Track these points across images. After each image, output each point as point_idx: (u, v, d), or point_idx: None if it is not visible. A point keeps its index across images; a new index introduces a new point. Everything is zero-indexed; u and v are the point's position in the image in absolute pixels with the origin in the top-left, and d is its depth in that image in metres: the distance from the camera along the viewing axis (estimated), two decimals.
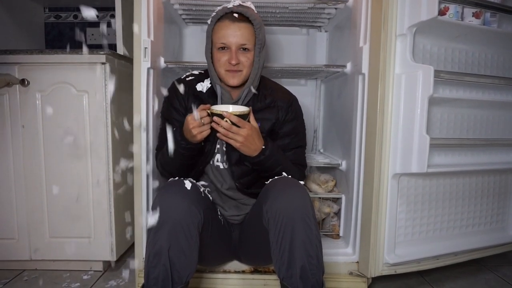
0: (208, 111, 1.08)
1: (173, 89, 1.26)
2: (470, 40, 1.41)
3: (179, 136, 1.13)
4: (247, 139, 1.09)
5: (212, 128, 1.10)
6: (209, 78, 1.25)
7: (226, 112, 1.05)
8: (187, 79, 1.27)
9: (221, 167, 1.26)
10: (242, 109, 1.09)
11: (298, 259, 1.00)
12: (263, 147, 1.14)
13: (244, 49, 1.15)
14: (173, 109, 1.24)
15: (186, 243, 1.02)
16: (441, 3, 1.26)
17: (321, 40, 1.99)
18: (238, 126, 1.07)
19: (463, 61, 1.44)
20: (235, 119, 1.06)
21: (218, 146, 1.24)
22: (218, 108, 1.08)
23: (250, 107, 1.12)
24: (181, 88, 1.24)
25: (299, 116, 1.30)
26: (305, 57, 2.01)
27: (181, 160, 1.18)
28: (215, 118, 1.07)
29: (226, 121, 1.06)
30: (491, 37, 1.43)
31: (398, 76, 1.28)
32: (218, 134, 1.10)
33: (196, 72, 1.30)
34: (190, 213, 1.02)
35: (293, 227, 1.00)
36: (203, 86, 1.25)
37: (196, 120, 1.07)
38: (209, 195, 1.24)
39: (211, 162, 1.26)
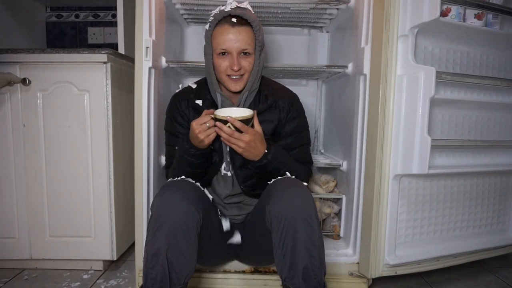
0: (212, 116, 1.07)
1: (173, 104, 1.26)
2: (472, 42, 1.41)
3: (187, 144, 1.13)
4: (249, 144, 1.08)
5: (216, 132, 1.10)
6: (206, 89, 1.24)
7: (230, 117, 1.03)
8: (185, 93, 1.27)
9: (229, 174, 1.25)
10: (245, 113, 1.08)
11: (301, 259, 1.00)
12: (266, 151, 1.14)
13: (245, 53, 1.14)
14: (177, 124, 1.25)
15: (184, 243, 1.01)
16: (443, 4, 1.25)
17: (323, 40, 1.99)
18: (241, 132, 1.06)
19: (464, 63, 1.44)
20: (238, 125, 1.04)
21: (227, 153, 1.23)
22: (222, 112, 1.06)
23: (255, 111, 1.11)
24: (180, 102, 1.24)
25: (301, 114, 1.30)
26: (307, 58, 2.01)
27: (192, 169, 1.18)
28: (217, 123, 1.06)
29: (229, 126, 1.05)
30: (493, 38, 1.42)
31: (399, 77, 1.28)
32: (221, 138, 1.10)
33: (193, 84, 1.30)
34: (189, 213, 1.02)
35: (295, 228, 1.00)
36: (201, 98, 1.24)
37: (201, 125, 1.07)
38: (210, 195, 1.24)
39: (218, 173, 1.26)
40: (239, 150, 1.10)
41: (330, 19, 1.80)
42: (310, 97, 2.05)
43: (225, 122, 1.04)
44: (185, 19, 1.84)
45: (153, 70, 1.37)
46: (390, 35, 1.26)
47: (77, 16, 2.31)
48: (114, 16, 2.27)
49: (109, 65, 1.49)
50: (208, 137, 1.08)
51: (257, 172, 1.20)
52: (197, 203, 1.06)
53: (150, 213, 1.06)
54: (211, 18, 1.15)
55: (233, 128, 1.05)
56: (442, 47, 1.38)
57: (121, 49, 1.72)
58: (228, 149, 1.21)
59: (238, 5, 1.15)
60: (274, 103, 1.24)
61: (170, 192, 1.05)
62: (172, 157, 1.25)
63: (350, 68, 1.54)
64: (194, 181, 1.18)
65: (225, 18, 1.12)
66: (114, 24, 2.27)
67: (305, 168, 1.29)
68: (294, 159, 1.24)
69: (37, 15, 2.24)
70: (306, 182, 1.22)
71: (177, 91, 1.30)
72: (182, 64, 1.59)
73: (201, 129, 1.07)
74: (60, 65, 1.49)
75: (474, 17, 1.33)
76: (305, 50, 2.01)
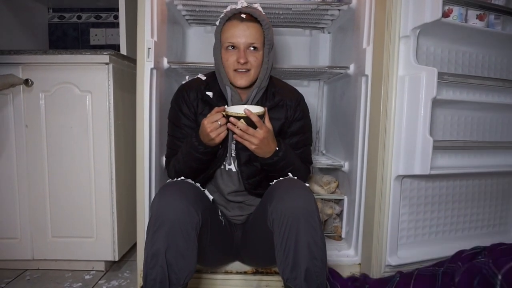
0: (223, 113, 1.07)
1: (181, 95, 1.24)
2: (474, 42, 1.41)
3: (196, 141, 1.12)
4: (263, 141, 1.08)
5: (226, 130, 1.09)
6: (216, 81, 1.23)
7: (248, 110, 1.03)
8: (194, 84, 1.26)
9: (234, 170, 1.25)
10: (257, 109, 1.07)
11: (303, 260, 1.00)
12: (277, 148, 1.14)
13: (253, 48, 1.14)
14: (182, 115, 1.23)
15: (184, 244, 1.01)
16: (445, 5, 1.26)
17: (324, 41, 1.99)
18: (255, 127, 1.06)
19: (466, 63, 1.44)
20: (255, 119, 1.04)
21: (231, 148, 1.23)
22: (233, 109, 1.06)
23: (266, 108, 1.11)
24: (189, 93, 1.23)
25: (307, 114, 1.30)
26: (308, 58, 2.01)
27: (198, 165, 1.18)
28: (231, 119, 1.05)
29: (242, 122, 1.05)
30: (495, 39, 1.42)
31: (401, 78, 1.28)
32: (234, 136, 1.10)
33: (202, 76, 1.29)
34: (188, 214, 1.02)
35: (298, 229, 1.00)
36: (211, 90, 1.24)
37: (212, 123, 1.07)
38: (211, 196, 1.24)
39: (222, 167, 1.26)
40: (252, 147, 1.10)
41: (332, 20, 1.80)
42: (312, 97, 2.05)
43: (237, 118, 1.04)
44: (187, 20, 1.85)
45: (154, 71, 1.37)
46: (391, 36, 1.26)
47: (79, 17, 2.32)
48: (116, 17, 2.27)
49: (111, 66, 1.49)
50: (219, 136, 1.09)
51: (263, 170, 1.21)
52: (196, 204, 1.05)
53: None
54: (222, 15, 1.17)
55: (246, 124, 1.05)
56: (444, 48, 1.38)
57: (123, 50, 1.72)
58: (234, 145, 1.21)
59: (249, 5, 1.17)
60: (281, 101, 1.24)
61: (169, 193, 1.05)
62: (174, 148, 1.25)
63: (351, 69, 1.54)
64: (194, 181, 1.19)
65: (235, 15, 1.14)
66: (116, 25, 2.28)
67: (306, 169, 1.29)
68: (298, 159, 1.25)
69: (40, 16, 2.25)
70: (305, 181, 1.23)
71: (183, 82, 1.30)
72: (183, 65, 1.59)
73: (213, 127, 1.07)
74: (62, 66, 1.49)
75: (476, 18, 1.33)
76: (307, 51, 2.01)
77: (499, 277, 1.01)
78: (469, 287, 1.06)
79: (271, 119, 1.15)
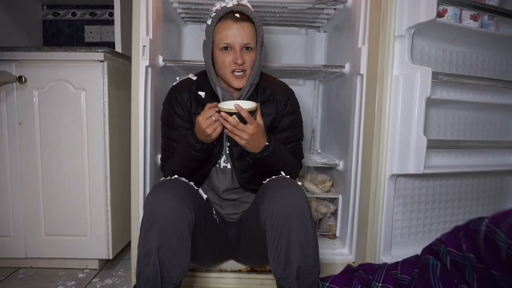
0: (216, 109, 1.08)
1: (173, 96, 1.24)
2: (468, 43, 1.42)
3: (193, 139, 1.12)
4: (253, 136, 1.08)
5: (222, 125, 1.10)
6: (207, 81, 1.23)
7: (238, 105, 1.04)
8: (186, 84, 1.25)
9: (229, 167, 1.25)
10: (249, 105, 1.08)
11: (295, 259, 1.00)
12: (267, 143, 1.14)
13: (248, 48, 1.14)
14: (176, 116, 1.23)
15: (176, 243, 1.01)
16: (439, 5, 1.26)
17: (320, 40, 1.99)
18: (245, 123, 1.06)
19: (460, 63, 1.45)
20: (245, 114, 1.05)
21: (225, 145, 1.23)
22: (226, 105, 1.07)
23: (258, 103, 1.11)
24: (181, 94, 1.23)
25: (297, 109, 1.30)
26: (304, 57, 2.01)
27: (195, 163, 1.17)
28: (222, 114, 1.06)
29: (234, 117, 1.05)
30: (488, 39, 1.43)
31: (396, 77, 1.28)
32: (225, 130, 1.11)
33: (193, 76, 1.29)
34: (181, 212, 1.02)
35: (290, 227, 1.00)
36: (203, 90, 1.23)
37: (207, 119, 1.07)
38: (204, 194, 1.24)
39: (217, 165, 1.26)
40: (242, 142, 1.10)
41: (328, 19, 1.80)
42: (307, 96, 2.05)
43: (229, 114, 1.05)
44: (183, 18, 1.84)
45: (150, 69, 1.37)
46: (387, 36, 1.27)
47: (74, 14, 2.30)
48: (111, 14, 2.26)
49: (105, 63, 1.48)
50: (215, 131, 1.09)
51: (255, 164, 1.21)
52: (189, 203, 1.05)
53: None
54: (214, 13, 1.15)
55: (237, 120, 1.06)
56: (438, 47, 1.39)
57: (118, 48, 1.71)
58: (227, 142, 1.21)
59: (239, 2, 1.16)
60: (272, 95, 1.24)
61: (162, 191, 1.04)
62: (169, 149, 1.25)
63: (347, 68, 1.54)
64: (188, 180, 1.18)
65: (227, 14, 1.13)
66: (111, 22, 2.26)
67: (297, 163, 1.30)
68: (289, 153, 1.25)
69: (34, 13, 2.23)
70: (297, 176, 1.26)
71: (174, 83, 1.29)
72: (179, 63, 1.59)
73: (208, 123, 1.07)
74: (56, 63, 1.48)
75: (470, 18, 1.34)
76: (303, 49, 2.02)
77: (504, 228, 0.86)
78: (455, 237, 1.07)
79: (262, 114, 1.15)
